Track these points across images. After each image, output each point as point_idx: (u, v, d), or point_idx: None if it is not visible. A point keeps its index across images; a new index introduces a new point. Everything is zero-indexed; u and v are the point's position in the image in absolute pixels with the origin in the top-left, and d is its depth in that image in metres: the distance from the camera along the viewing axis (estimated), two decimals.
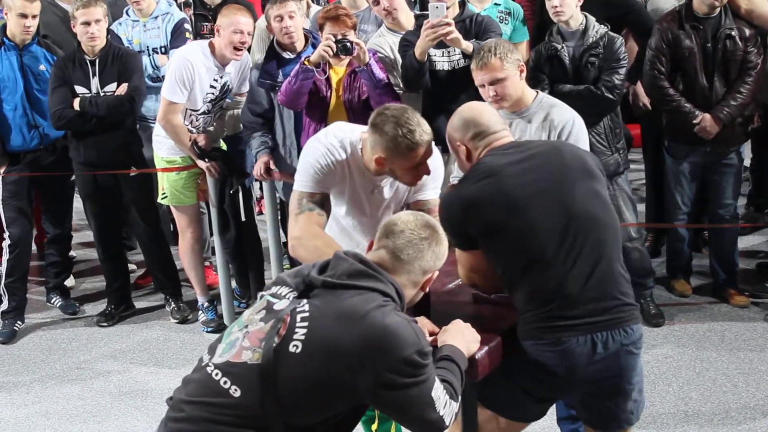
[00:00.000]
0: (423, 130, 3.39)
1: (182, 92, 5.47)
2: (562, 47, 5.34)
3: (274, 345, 2.58)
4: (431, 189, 3.78)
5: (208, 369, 2.67)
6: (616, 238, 3.25)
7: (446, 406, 2.69)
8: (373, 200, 3.70)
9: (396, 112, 3.41)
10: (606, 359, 3.13)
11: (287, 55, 5.39)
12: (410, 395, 2.61)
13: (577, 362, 3.11)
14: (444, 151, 5.28)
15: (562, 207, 3.15)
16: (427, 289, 2.91)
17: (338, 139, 3.63)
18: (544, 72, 5.38)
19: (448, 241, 3.20)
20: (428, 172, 3.52)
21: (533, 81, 5.31)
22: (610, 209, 3.27)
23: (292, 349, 2.57)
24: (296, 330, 2.59)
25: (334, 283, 2.67)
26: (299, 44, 5.39)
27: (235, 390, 2.60)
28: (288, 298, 2.69)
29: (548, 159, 3.24)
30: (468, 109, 3.45)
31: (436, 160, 3.71)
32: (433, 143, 3.51)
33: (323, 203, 3.62)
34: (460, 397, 2.80)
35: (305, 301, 2.66)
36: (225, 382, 2.62)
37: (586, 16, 5.35)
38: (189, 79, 5.46)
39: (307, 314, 2.61)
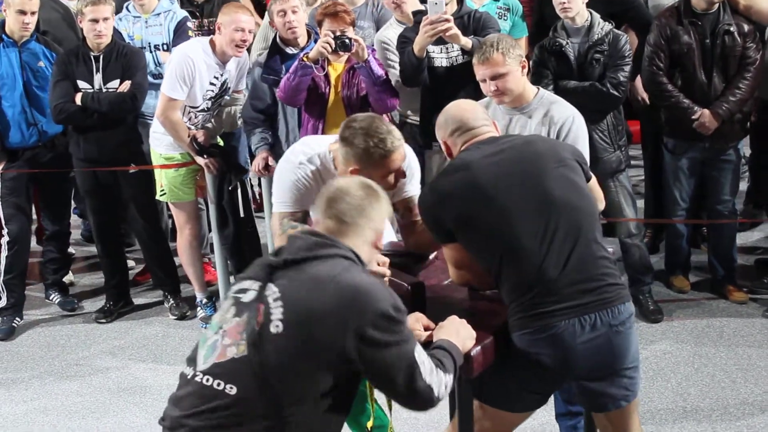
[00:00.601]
0: (393, 137, 3.41)
1: (182, 89, 5.47)
2: (567, 43, 5.35)
3: (256, 330, 2.60)
4: (411, 185, 3.79)
5: (197, 378, 2.67)
6: (593, 222, 3.25)
7: (433, 373, 2.69)
8: None
9: (364, 123, 3.43)
10: (595, 341, 3.12)
11: (290, 50, 5.38)
12: (393, 355, 2.62)
13: (566, 347, 3.10)
14: None
15: (535, 194, 3.17)
16: (381, 247, 2.93)
17: (307, 156, 3.66)
18: (548, 68, 5.38)
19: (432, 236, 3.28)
20: (404, 176, 3.54)
21: (536, 76, 5.33)
22: (584, 195, 3.28)
23: (274, 330, 2.59)
24: (272, 311, 2.61)
25: (294, 260, 2.70)
26: (302, 39, 5.39)
27: (231, 388, 2.60)
28: (254, 289, 2.71)
29: (520, 150, 3.27)
30: (450, 106, 3.51)
31: (412, 158, 3.76)
32: (404, 146, 3.53)
33: (304, 220, 3.64)
34: (451, 379, 2.79)
35: (271, 284, 2.68)
36: (218, 384, 2.62)
37: (591, 13, 5.36)
38: (189, 76, 5.46)
39: (278, 294, 2.64)
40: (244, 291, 2.72)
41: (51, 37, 6.30)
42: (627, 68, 5.33)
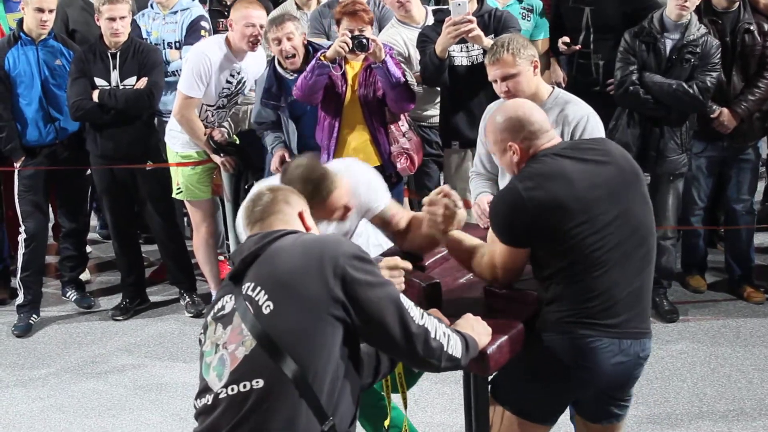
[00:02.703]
0: (331, 180, 3.41)
1: (200, 87, 5.49)
2: (662, 37, 5.33)
3: (254, 320, 2.63)
4: (378, 199, 3.79)
5: (221, 395, 2.65)
6: (655, 248, 3.28)
7: (424, 318, 2.71)
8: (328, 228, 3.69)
9: (300, 169, 3.41)
10: (623, 366, 3.16)
11: (289, 75, 5.32)
12: (380, 295, 2.65)
13: (600, 363, 3.11)
14: (462, 146, 5.33)
15: (624, 213, 3.14)
16: (310, 225, 2.96)
17: None
18: (636, 56, 5.37)
19: (498, 238, 3.21)
20: (349, 210, 3.53)
21: (623, 63, 5.38)
22: (652, 212, 3.28)
23: (266, 311, 2.62)
24: (257, 299, 2.65)
25: (250, 254, 2.73)
26: (300, 60, 5.33)
27: (257, 382, 2.60)
28: (229, 299, 2.74)
29: (606, 164, 3.20)
30: (515, 107, 3.35)
31: (368, 174, 3.78)
32: (345, 184, 3.48)
33: None
34: (457, 344, 2.79)
35: (242, 285, 2.71)
36: (244, 386, 2.62)
37: (690, 13, 5.35)
38: (206, 75, 5.48)
39: (253, 284, 2.68)
40: (221, 308, 2.75)
41: (80, 36, 6.32)
42: (715, 75, 5.34)
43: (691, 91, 5.27)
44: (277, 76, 5.34)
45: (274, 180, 3.65)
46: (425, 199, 3.48)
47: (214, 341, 2.72)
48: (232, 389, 2.63)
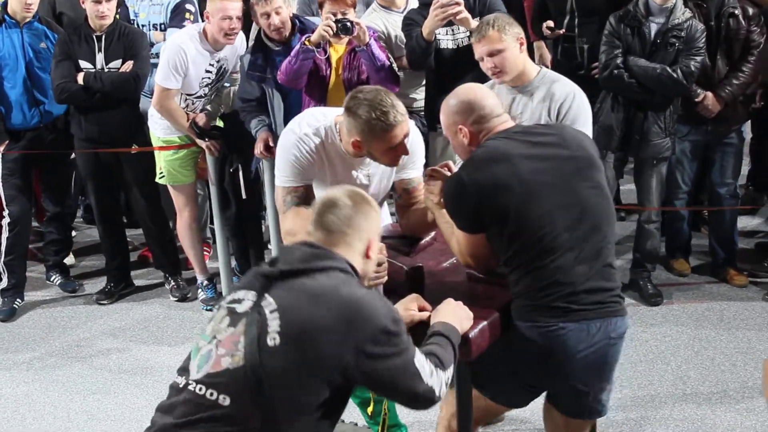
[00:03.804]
0: (397, 111, 3.37)
1: (176, 78, 5.47)
2: (646, 21, 5.33)
3: (255, 342, 2.56)
4: (414, 168, 3.78)
5: (190, 387, 2.62)
6: (614, 231, 3.27)
7: (433, 375, 2.69)
8: (357, 185, 3.65)
9: (369, 95, 3.39)
10: (594, 349, 3.13)
11: (274, 46, 5.33)
12: (394, 367, 2.60)
13: (567, 349, 3.10)
14: None
15: (573, 198, 3.15)
16: (373, 257, 2.88)
17: (312, 127, 3.60)
18: (621, 40, 5.37)
19: (456, 224, 3.22)
20: (406, 153, 3.50)
21: (607, 46, 5.39)
22: (608, 199, 3.27)
23: (270, 342, 2.55)
24: (269, 324, 2.57)
25: (291, 271, 2.66)
26: (287, 33, 5.31)
27: (224, 399, 2.56)
28: (248, 299, 2.67)
29: (557, 148, 3.23)
30: (467, 91, 3.38)
31: (416, 139, 3.72)
32: (410, 123, 3.49)
33: (308, 195, 3.59)
34: (451, 369, 2.79)
35: (267, 295, 2.64)
36: (212, 394, 2.58)
37: None
38: (182, 66, 5.46)
39: (274, 306, 2.60)
40: (238, 301, 2.69)
41: (67, 19, 6.28)
42: (699, 59, 5.33)
43: (675, 75, 5.27)
44: (263, 48, 5.34)
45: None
46: (427, 170, 3.49)
47: (215, 331, 2.68)
48: (200, 389, 2.60)
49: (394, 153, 3.45)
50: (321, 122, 3.62)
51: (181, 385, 2.66)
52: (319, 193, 3.57)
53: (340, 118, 3.55)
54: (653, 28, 5.37)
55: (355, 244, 2.78)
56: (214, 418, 2.56)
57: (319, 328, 2.55)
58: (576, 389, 3.25)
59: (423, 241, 3.72)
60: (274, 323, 2.57)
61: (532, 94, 4.11)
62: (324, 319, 2.55)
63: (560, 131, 3.37)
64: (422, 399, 2.68)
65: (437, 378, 2.70)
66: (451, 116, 3.35)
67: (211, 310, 5.90)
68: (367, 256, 2.83)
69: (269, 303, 2.61)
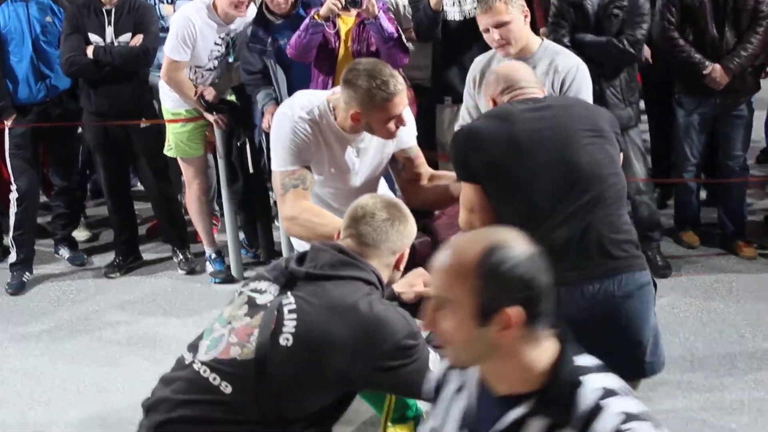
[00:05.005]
0: (397, 80, 3.38)
1: (185, 51, 5.47)
2: None
3: (267, 339, 2.56)
4: (409, 136, 3.76)
5: (195, 366, 2.63)
6: (619, 195, 3.23)
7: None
8: (354, 163, 3.64)
9: (368, 65, 3.39)
10: (599, 310, 3.09)
11: (276, 20, 5.32)
12: (407, 374, 2.61)
13: (564, 314, 3.08)
14: (455, 101, 5.32)
15: (561, 160, 3.14)
16: (402, 267, 2.88)
17: (305, 109, 3.55)
18: (566, 19, 5.34)
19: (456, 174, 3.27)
20: (404, 124, 3.49)
21: (554, 27, 5.31)
22: (613, 166, 3.23)
23: (283, 342, 2.55)
24: (285, 323, 2.57)
25: (317, 275, 2.66)
26: (288, 6, 5.31)
27: (226, 386, 2.57)
28: (270, 292, 2.67)
29: (559, 112, 3.25)
30: (503, 66, 3.52)
31: (407, 110, 3.70)
32: (405, 93, 3.48)
33: (305, 177, 3.54)
34: None
35: (289, 293, 2.64)
36: (214, 379, 2.59)
37: None
38: (191, 38, 5.45)
39: (294, 306, 2.60)
40: (260, 291, 2.69)
41: None
42: (645, 26, 5.30)
43: (621, 45, 5.23)
44: (264, 20, 5.33)
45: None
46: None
47: (231, 317, 2.68)
48: (205, 371, 2.61)
49: (393, 124, 3.43)
50: (313, 103, 3.58)
51: (187, 362, 2.67)
52: (315, 175, 3.57)
53: (332, 97, 3.53)
54: (595, 2, 5.33)
55: (386, 258, 2.80)
56: (212, 402, 2.57)
57: (332, 341, 2.55)
58: (601, 352, 3.22)
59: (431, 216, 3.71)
60: (290, 324, 2.57)
61: (534, 66, 4.08)
62: (339, 334, 2.55)
63: (572, 100, 3.39)
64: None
65: None
66: (486, 91, 3.47)
67: (219, 283, 5.91)
68: (396, 267, 2.84)
69: (290, 302, 2.61)
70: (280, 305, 2.61)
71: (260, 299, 2.67)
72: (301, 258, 2.77)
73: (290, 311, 2.59)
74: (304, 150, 3.53)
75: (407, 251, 2.87)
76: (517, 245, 1.92)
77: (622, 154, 3.35)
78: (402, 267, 2.87)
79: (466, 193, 3.28)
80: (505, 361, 1.90)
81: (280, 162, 3.56)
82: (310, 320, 2.57)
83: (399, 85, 3.37)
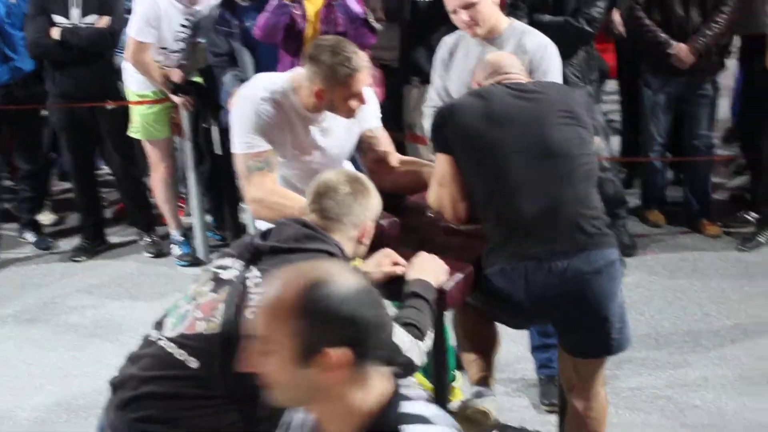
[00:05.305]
0: (359, 57, 3.35)
1: (149, 32, 5.43)
2: None
3: (233, 312, 2.56)
4: (373, 117, 3.74)
5: (161, 343, 2.62)
6: (589, 174, 3.24)
7: (413, 349, 2.70)
8: (319, 143, 3.59)
9: (331, 42, 3.39)
10: (567, 287, 3.10)
11: (242, 2, 5.29)
12: None
13: (531, 288, 3.11)
14: (423, 82, 5.31)
15: (538, 136, 3.16)
16: (366, 241, 2.87)
17: (268, 90, 3.49)
18: (524, 0, 5.33)
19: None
20: (365, 102, 3.46)
21: (511, 9, 5.28)
22: (584, 147, 3.25)
23: (249, 315, 2.53)
24: (250, 296, 2.57)
25: (282, 248, 2.66)
26: None
27: (193, 361, 2.56)
28: (235, 267, 2.67)
29: (538, 96, 3.28)
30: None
31: (369, 92, 3.68)
32: (368, 71, 3.46)
33: (269, 159, 3.47)
34: (430, 333, 2.80)
35: (254, 267, 2.64)
36: (181, 354, 2.57)
37: None
38: (155, 19, 5.42)
39: (259, 280, 2.60)
40: (225, 267, 2.68)
41: None
42: (601, 4, 5.27)
43: (577, 24, 5.22)
44: (231, 3, 5.31)
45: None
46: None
47: (196, 293, 2.67)
48: (171, 347, 2.59)
49: (354, 102, 3.42)
50: (276, 83, 3.52)
51: (152, 339, 2.66)
52: (279, 157, 3.54)
53: (294, 77, 3.50)
54: None
55: (349, 231, 2.79)
56: (179, 377, 2.56)
57: None
58: (569, 328, 3.26)
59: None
60: (255, 297, 2.56)
61: (502, 46, 4.06)
62: None
63: (551, 84, 3.48)
64: (400, 370, 2.69)
65: (417, 349, 2.72)
66: (475, 77, 3.55)
67: (185, 266, 5.90)
68: (359, 241, 2.83)
69: (254, 276, 2.61)
70: (245, 279, 2.62)
71: (225, 274, 2.67)
72: (266, 234, 2.78)
73: (256, 284, 2.59)
74: (267, 131, 3.47)
75: (371, 225, 2.87)
76: (341, 280, 1.80)
77: (596, 138, 3.39)
78: (366, 241, 2.86)
79: (438, 164, 3.31)
80: (333, 403, 1.81)
81: (242, 145, 3.50)
82: None
83: (362, 61, 3.35)
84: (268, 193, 3.42)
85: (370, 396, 1.81)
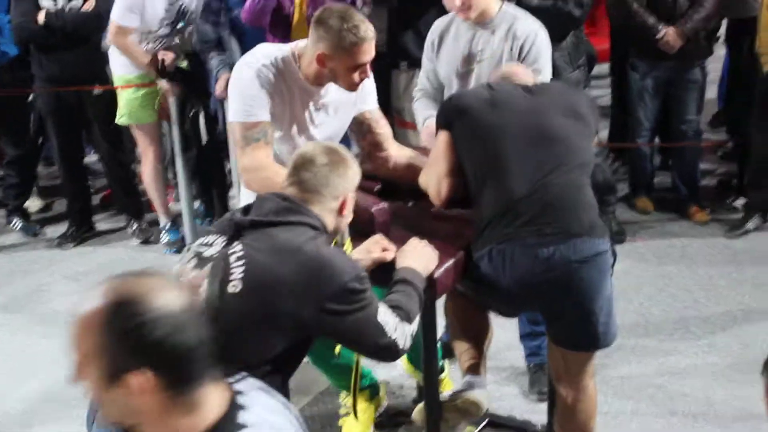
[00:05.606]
0: (368, 27, 3.29)
1: (131, 16, 5.41)
2: None
3: (216, 287, 2.57)
4: (371, 99, 3.68)
5: None
6: (584, 164, 3.25)
7: (397, 329, 2.69)
8: (314, 119, 3.55)
9: (341, 8, 3.33)
10: (553, 274, 3.08)
11: None
12: (356, 321, 2.61)
13: (516, 272, 3.09)
14: (411, 66, 5.29)
15: (536, 124, 3.18)
16: (347, 214, 2.86)
17: (268, 58, 3.43)
18: None
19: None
20: (368, 76, 3.42)
21: None
22: (584, 141, 3.27)
23: (231, 289, 2.55)
24: (232, 270, 2.57)
25: (262, 222, 2.66)
26: None
27: None
28: (217, 244, 2.67)
29: (542, 94, 3.32)
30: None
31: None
32: (374, 43, 3.38)
33: (267, 131, 3.40)
34: (417, 318, 2.80)
35: (236, 242, 2.64)
36: None
37: None
38: (138, 4, 5.38)
39: (241, 253, 2.60)
40: (208, 244, 2.69)
41: None
42: None
43: (565, 8, 5.19)
44: None
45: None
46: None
47: (179, 272, 2.67)
48: None
49: (357, 75, 3.37)
50: (277, 53, 3.46)
51: None
52: (277, 131, 3.50)
53: (296, 47, 3.45)
54: None
55: (328, 203, 2.77)
56: None
57: (279, 282, 2.54)
58: (555, 318, 3.25)
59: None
60: (237, 270, 2.56)
61: (493, 30, 4.03)
62: (285, 275, 2.54)
63: (557, 85, 3.65)
64: (385, 352, 2.70)
65: (402, 331, 2.70)
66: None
67: (174, 252, 5.88)
68: (340, 213, 2.82)
69: (236, 251, 2.61)
70: (226, 255, 2.62)
71: (207, 252, 2.68)
72: (246, 209, 2.78)
73: (237, 258, 2.59)
74: (266, 100, 3.39)
75: (351, 196, 2.86)
76: (159, 300, 1.68)
77: (596, 137, 3.41)
78: (347, 213, 2.85)
79: (436, 144, 3.34)
80: (156, 427, 1.71)
81: (240, 113, 3.41)
82: (258, 264, 2.58)
83: (369, 31, 3.29)
84: (262, 167, 3.37)
85: (200, 419, 1.72)
